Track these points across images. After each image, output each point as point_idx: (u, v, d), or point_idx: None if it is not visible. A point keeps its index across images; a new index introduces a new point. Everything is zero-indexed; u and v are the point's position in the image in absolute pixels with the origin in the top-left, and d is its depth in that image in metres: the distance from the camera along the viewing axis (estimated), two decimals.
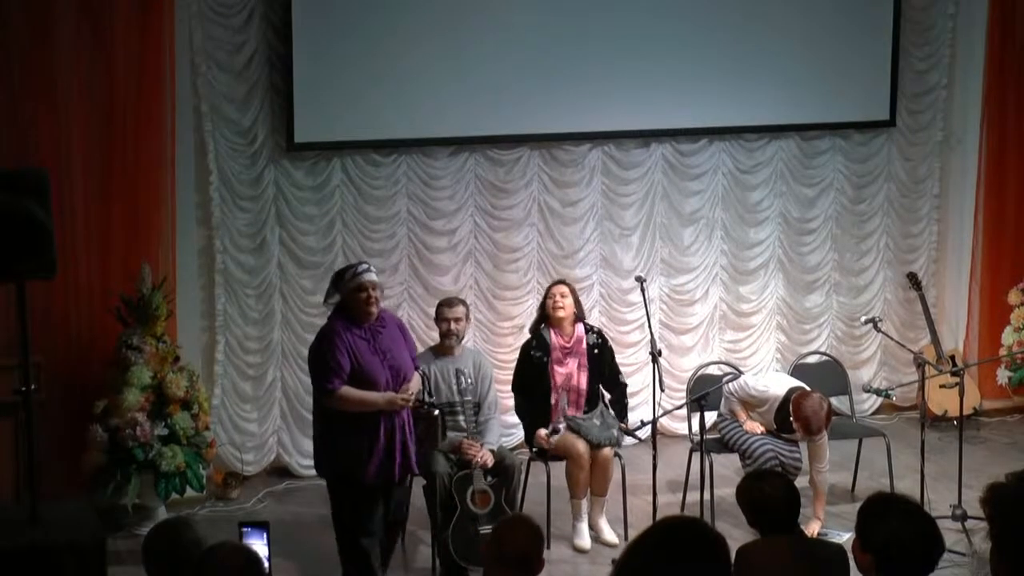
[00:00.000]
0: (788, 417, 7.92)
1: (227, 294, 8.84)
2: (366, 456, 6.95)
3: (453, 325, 7.88)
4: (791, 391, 8.00)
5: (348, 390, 6.91)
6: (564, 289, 8.02)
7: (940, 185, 10.38)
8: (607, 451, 7.89)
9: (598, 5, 9.23)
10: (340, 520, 7.16)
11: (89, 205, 8.29)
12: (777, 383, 8.20)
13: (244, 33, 8.64)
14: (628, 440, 8.12)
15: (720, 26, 9.51)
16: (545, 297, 8.11)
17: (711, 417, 8.40)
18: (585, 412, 7.95)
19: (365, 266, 7.13)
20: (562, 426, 7.93)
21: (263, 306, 8.93)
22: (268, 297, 8.94)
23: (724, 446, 8.17)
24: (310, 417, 8.97)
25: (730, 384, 8.26)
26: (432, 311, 9.20)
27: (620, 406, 8.11)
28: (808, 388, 8.03)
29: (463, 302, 8.11)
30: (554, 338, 7.99)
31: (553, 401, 7.94)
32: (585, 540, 7.92)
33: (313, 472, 9.02)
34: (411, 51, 8.88)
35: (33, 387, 6.97)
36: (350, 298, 6.98)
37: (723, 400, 8.32)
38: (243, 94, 8.69)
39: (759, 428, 8.11)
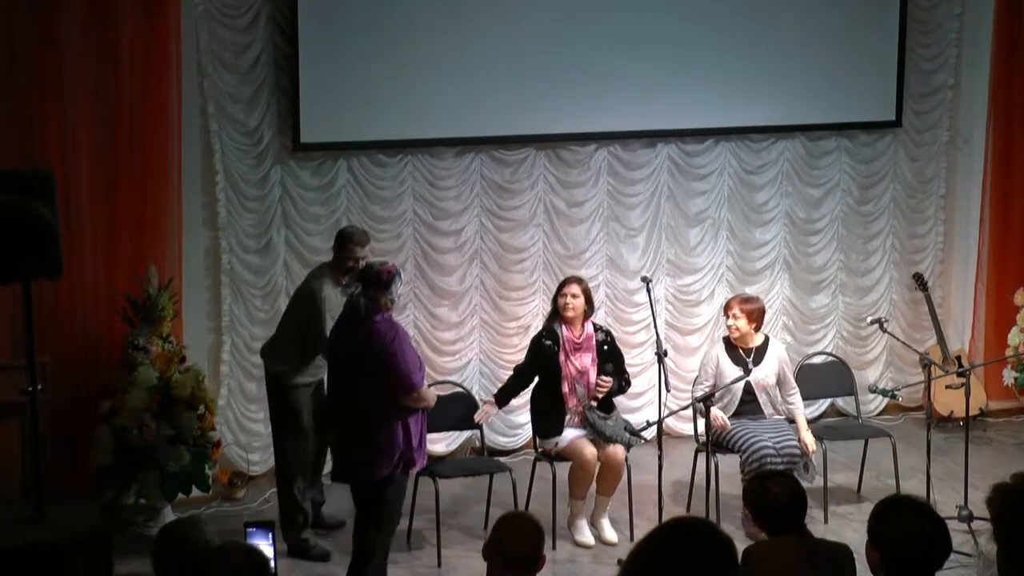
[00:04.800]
0: (732, 342, 8.30)
1: (233, 294, 8.85)
2: (417, 445, 6.94)
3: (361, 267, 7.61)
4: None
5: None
6: (576, 289, 8.05)
7: (946, 186, 10.37)
8: (620, 451, 7.91)
9: (604, 6, 9.23)
10: (388, 514, 6.97)
11: (95, 205, 8.30)
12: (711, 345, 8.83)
13: (250, 34, 8.65)
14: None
15: (726, 26, 9.50)
16: (557, 293, 8.15)
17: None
18: (601, 415, 7.96)
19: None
20: (575, 431, 7.95)
21: (269, 307, 8.93)
22: (274, 298, 8.95)
23: (724, 448, 8.16)
24: None
25: (695, 393, 8.27)
26: (438, 311, 9.24)
27: (618, 388, 8.15)
28: None
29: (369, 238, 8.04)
30: (565, 332, 8.05)
31: (566, 389, 7.97)
32: (587, 536, 7.97)
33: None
34: (417, 52, 8.89)
35: (39, 387, 6.99)
36: (393, 303, 6.91)
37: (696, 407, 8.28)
38: (249, 95, 8.70)
39: (720, 421, 8.11)
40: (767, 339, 8.46)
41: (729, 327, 8.34)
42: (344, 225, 8.94)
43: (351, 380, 6.88)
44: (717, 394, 8.12)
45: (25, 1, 8.06)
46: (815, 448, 8.15)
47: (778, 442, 7.98)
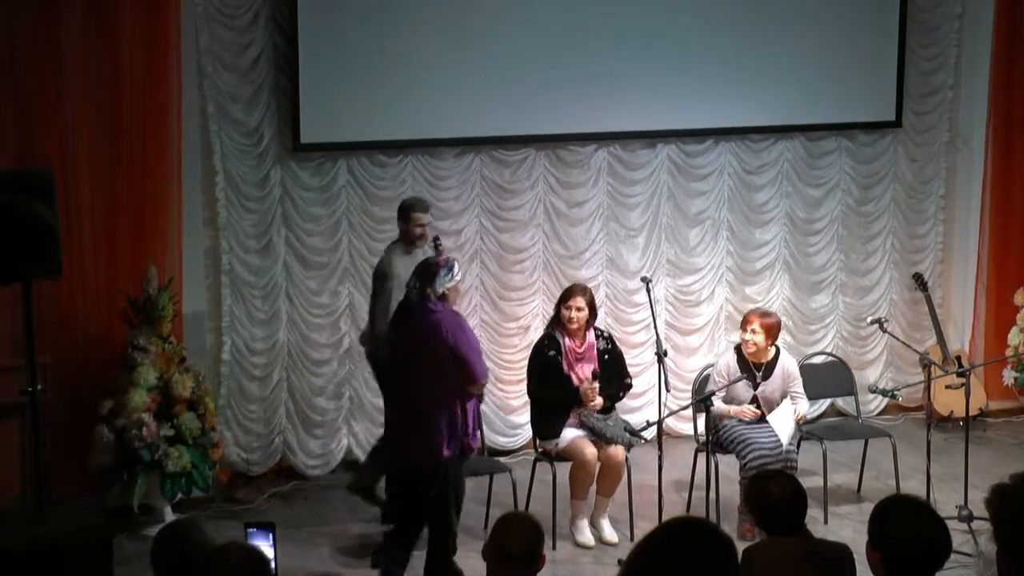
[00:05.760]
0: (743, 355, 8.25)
1: (233, 295, 8.85)
2: (472, 430, 7.16)
3: (429, 230, 8.22)
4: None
5: None
6: (581, 302, 7.99)
7: (946, 186, 10.37)
8: (620, 452, 7.90)
9: (604, 6, 9.23)
10: (456, 493, 7.16)
11: (95, 206, 8.30)
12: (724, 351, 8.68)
13: (250, 34, 8.65)
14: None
15: (726, 27, 9.50)
16: (562, 304, 8.07)
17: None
18: (599, 416, 7.95)
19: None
20: (575, 431, 7.94)
21: (269, 307, 8.93)
22: (274, 298, 8.95)
23: (724, 449, 8.15)
24: (316, 417, 9.04)
25: (712, 399, 8.19)
26: None
27: (614, 397, 8.12)
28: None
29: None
30: (568, 342, 8.02)
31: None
32: (587, 536, 7.95)
33: (319, 472, 9.11)
34: (417, 52, 8.89)
35: (39, 387, 6.98)
36: (453, 294, 7.12)
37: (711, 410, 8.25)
38: (249, 95, 8.70)
39: (748, 411, 8.12)
40: (778, 352, 8.36)
41: (746, 341, 8.22)
42: (345, 226, 8.99)
43: (412, 367, 7.02)
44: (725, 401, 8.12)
45: (25, 1, 8.06)
46: (802, 416, 8.19)
47: (775, 443, 7.96)
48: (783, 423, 8.09)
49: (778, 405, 8.23)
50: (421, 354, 6.97)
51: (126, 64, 8.27)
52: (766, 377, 8.23)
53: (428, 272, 7.03)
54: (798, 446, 8.35)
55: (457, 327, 6.99)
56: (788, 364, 8.39)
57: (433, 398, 6.96)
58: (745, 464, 7.94)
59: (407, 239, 8.12)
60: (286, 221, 8.92)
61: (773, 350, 8.33)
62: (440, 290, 6.97)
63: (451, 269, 7.05)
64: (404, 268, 7.82)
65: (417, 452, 7.03)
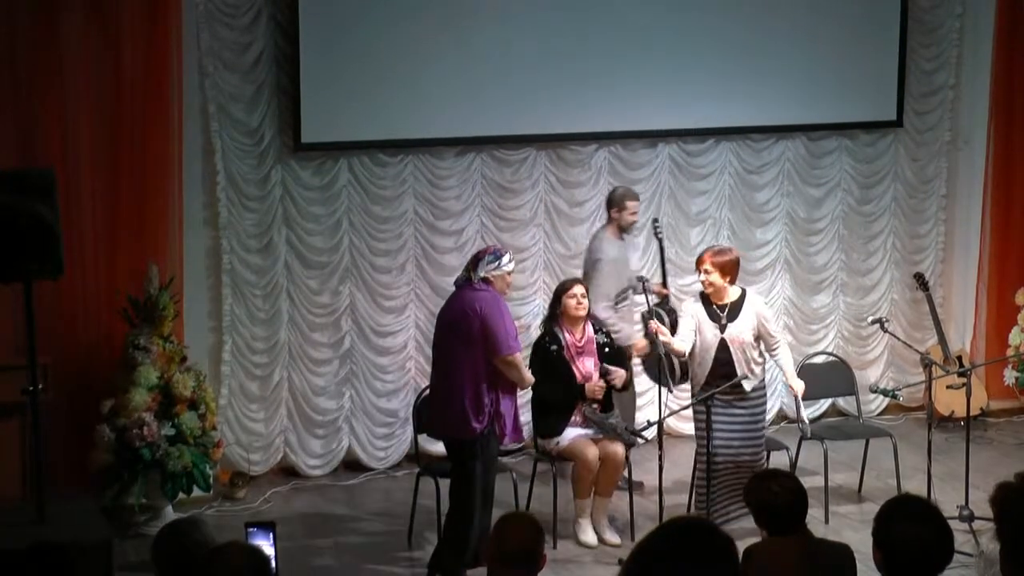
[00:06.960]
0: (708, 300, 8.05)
1: (234, 294, 8.85)
2: (509, 417, 7.35)
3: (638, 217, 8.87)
4: None
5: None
6: (583, 290, 8.04)
7: (947, 185, 10.37)
8: (620, 451, 7.89)
9: (605, 5, 9.23)
10: (470, 482, 7.28)
11: (96, 205, 8.31)
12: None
13: (251, 33, 8.65)
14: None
15: (727, 26, 9.50)
16: (563, 295, 8.04)
17: None
18: (602, 412, 7.95)
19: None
20: (575, 430, 7.94)
21: (270, 306, 8.94)
22: (275, 297, 8.95)
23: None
24: (317, 417, 9.02)
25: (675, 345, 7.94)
26: (437, 311, 9.22)
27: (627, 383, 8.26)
28: None
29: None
30: (568, 337, 8.01)
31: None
32: (590, 536, 7.94)
33: (319, 472, 9.12)
34: (418, 51, 8.89)
35: (40, 387, 6.98)
36: (500, 282, 7.35)
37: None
38: (250, 94, 8.70)
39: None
40: (744, 293, 8.00)
41: (702, 282, 7.90)
42: (345, 225, 8.98)
43: (445, 340, 7.35)
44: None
45: (25, 1, 8.06)
46: (803, 391, 7.96)
47: (732, 448, 7.80)
48: (791, 375, 8.06)
49: (752, 347, 7.86)
50: (454, 328, 7.27)
51: (126, 64, 8.27)
52: (732, 319, 7.86)
53: (476, 256, 7.38)
54: (798, 446, 8.36)
55: (492, 304, 7.23)
56: (758, 306, 8.00)
57: (461, 372, 7.23)
58: (697, 456, 7.87)
59: (620, 225, 8.71)
60: (287, 221, 8.93)
61: (738, 291, 7.96)
62: (481, 274, 7.26)
63: (498, 257, 7.33)
64: (615, 251, 8.61)
65: (444, 423, 7.38)
